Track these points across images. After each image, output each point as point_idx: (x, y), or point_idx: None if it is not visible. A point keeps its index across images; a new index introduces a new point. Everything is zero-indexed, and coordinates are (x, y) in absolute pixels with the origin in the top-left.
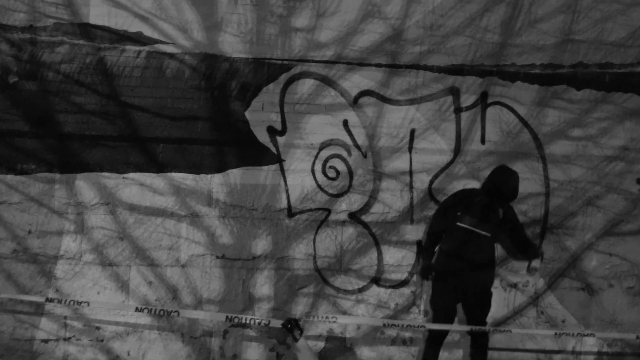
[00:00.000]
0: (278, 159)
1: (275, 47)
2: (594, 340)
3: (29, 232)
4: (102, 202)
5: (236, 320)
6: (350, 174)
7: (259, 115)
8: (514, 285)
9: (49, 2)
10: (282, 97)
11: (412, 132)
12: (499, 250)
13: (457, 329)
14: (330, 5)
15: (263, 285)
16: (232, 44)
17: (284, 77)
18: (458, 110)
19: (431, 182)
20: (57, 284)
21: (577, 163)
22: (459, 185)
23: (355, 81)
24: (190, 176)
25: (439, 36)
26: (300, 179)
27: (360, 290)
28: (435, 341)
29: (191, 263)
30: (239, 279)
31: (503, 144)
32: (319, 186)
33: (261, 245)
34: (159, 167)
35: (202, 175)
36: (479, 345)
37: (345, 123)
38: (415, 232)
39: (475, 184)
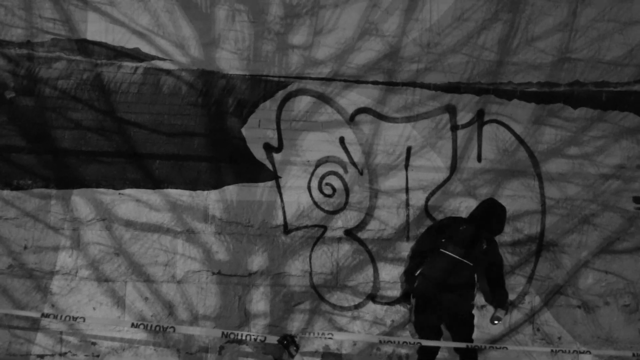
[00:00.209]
0: (274, 176)
1: (272, 64)
2: (590, 358)
3: (25, 247)
4: (98, 218)
5: (232, 336)
6: (347, 191)
7: (256, 132)
8: (511, 303)
9: (46, 18)
10: (278, 114)
11: (409, 149)
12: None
13: (452, 345)
14: (327, 22)
15: (259, 301)
16: (229, 61)
17: (280, 94)
18: (454, 128)
19: (427, 199)
20: (53, 299)
21: (573, 181)
22: (455, 203)
23: (352, 98)
24: (187, 192)
25: (436, 54)
26: (296, 195)
27: (356, 306)
28: (425, 358)
29: (187, 279)
30: (235, 295)
31: (499, 161)
32: (315, 203)
33: (257, 261)
34: (155, 183)
35: (198, 192)
36: None
37: (342, 140)
38: None
39: (471, 202)
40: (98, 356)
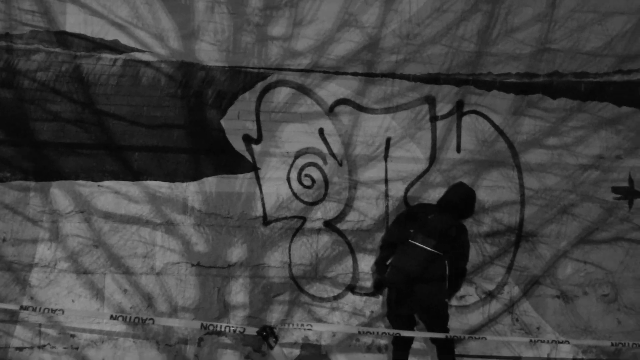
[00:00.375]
0: (253, 167)
1: (251, 55)
2: (569, 347)
3: (4, 239)
4: (77, 210)
5: (211, 327)
6: (326, 182)
7: (235, 124)
8: (489, 293)
9: (25, 10)
10: (258, 105)
11: (388, 140)
12: (473, 255)
13: (428, 335)
14: (307, 14)
15: (238, 293)
16: (209, 53)
17: (260, 86)
18: (434, 119)
19: (407, 190)
20: (32, 291)
21: (553, 172)
22: (434, 194)
23: (331, 90)
24: (166, 184)
25: (415, 45)
26: (275, 187)
27: (336, 297)
28: (400, 347)
29: (166, 271)
30: (214, 286)
31: (478, 152)
32: (294, 194)
33: (236, 253)
34: (135, 175)
35: (177, 184)
36: (445, 353)
37: (321, 131)
38: None
39: None
40: (77, 348)
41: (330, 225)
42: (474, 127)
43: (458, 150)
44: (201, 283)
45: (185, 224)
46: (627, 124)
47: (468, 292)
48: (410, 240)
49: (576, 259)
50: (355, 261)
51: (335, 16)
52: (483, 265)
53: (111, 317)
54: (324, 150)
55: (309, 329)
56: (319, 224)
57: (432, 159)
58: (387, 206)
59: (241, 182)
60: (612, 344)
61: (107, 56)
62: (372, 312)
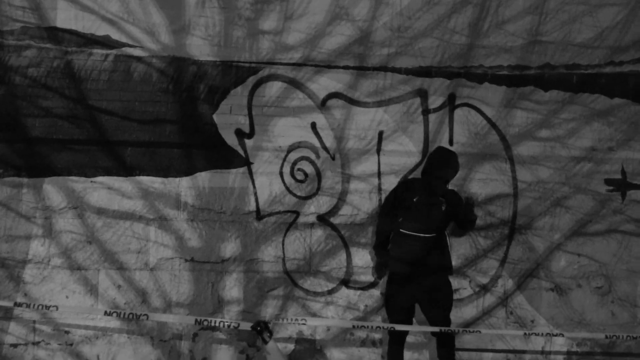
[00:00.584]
0: (246, 162)
1: (243, 49)
2: (563, 340)
3: None
4: (70, 206)
5: (205, 323)
6: (319, 176)
7: (227, 118)
8: (483, 287)
9: (15, 6)
10: (250, 99)
11: (380, 134)
12: (467, 249)
13: (424, 329)
14: (298, 7)
15: (232, 288)
16: (200, 47)
17: (251, 80)
18: (426, 112)
19: None
20: (26, 288)
21: (545, 164)
22: None
23: (323, 83)
24: (159, 179)
25: (407, 38)
26: (268, 181)
27: (330, 292)
28: (396, 341)
29: (160, 266)
30: (208, 282)
31: (471, 145)
32: (287, 189)
33: (230, 248)
34: (127, 171)
35: (170, 179)
36: (446, 345)
37: (314, 125)
38: None
39: None
40: (71, 345)
41: (323, 219)
42: (466, 120)
43: (450, 143)
44: (195, 278)
45: (179, 219)
46: (619, 115)
47: (462, 286)
48: (401, 230)
49: (570, 251)
50: (349, 255)
51: (326, 9)
52: (477, 259)
53: (105, 313)
54: (317, 144)
55: (304, 324)
56: (312, 218)
57: (425, 152)
58: (380, 200)
59: (234, 176)
60: (606, 337)
61: (99, 52)
62: (366, 306)
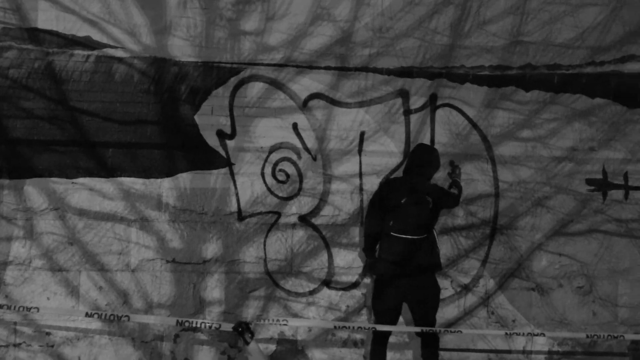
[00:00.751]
0: (228, 163)
1: (224, 50)
2: (544, 340)
3: None
4: (51, 208)
5: (187, 324)
6: (300, 177)
7: (209, 119)
8: (465, 287)
9: None
10: (231, 100)
11: (362, 134)
12: (448, 248)
13: (407, 330)
14: (279, 8)
15: (214, 289)
16: (181, 48)
17: (233, 81)
18: (407, 113)
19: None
20: (7, 289)
21: (526, 164)
22: None
23: (305, 84)
24: (140, 180)
25: (388, 38)
26: (250, 182)
27: (311, 292)
28: (379, 342)
29: (141, 267)
30: (190, 283)
31: (452, 145)
32: (268, 189)
33: (211, 249)
34: (109, 172)
35: (151, 180)
36: (429, 346)
37: (295, 126)
38: None
39: None
40: (52, 346)
41: (305, 220)
42: (447, 120)
43: (432, 143)
44: (176, 279)
45: (160, 220)
46: (600, 115)
47: (444, 286)
48: (391, 233)
49: (551, 251)
50: (330, 256)
51: (308, 10)
52: (458, 259)
53: (86, 314)
54: (298, 144)
55: (285, 324)
56: (293, 219)
57: (406, 152)
58: (361, 200)
59: (215, 177)
60: (588, 336)
61: (80, 52)
62: (348, 306)
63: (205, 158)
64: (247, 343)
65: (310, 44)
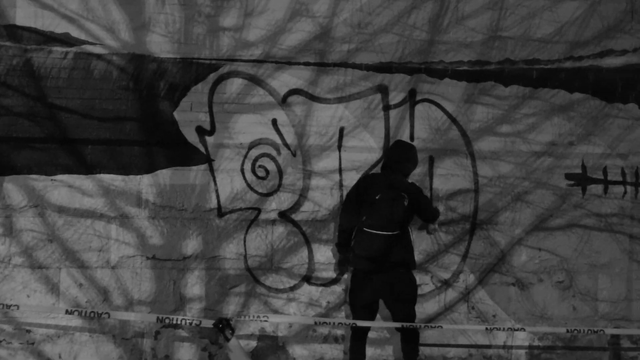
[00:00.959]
0: (207, 159)
1: (203, 46)
2: (524, 335)
3: None
4: (30, 205)
5: (167, 321)
6: (280, 173)
7: (188, 115)
8: (445, 282)
9: None
10: (210, 96)
11: (341, 130)
12: (428, 244)
13: (387, 325)
14: (258, 4)
15: (194, 285)
16: (160, 44)
17: (212, 77)
18: (387, 108)
19: None
20: None
21: (506, 159)
22: None
23: (284, 80)
24: (120, 177)
25: (367, 34)
26: (229, 178)
27: (292, 288)
28: (358, 337)
29: (121, 264)
30: (170, 279)
31: (432, 140)
32: (248, 185)
33: (191, 245)
34: (88, 169)
35: (131, 176)
36: (409, 341)
37: (275, 122)
38: None
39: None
40: (33, 344)
41: (285, 215)
42: (426, 115)
43: (411, 139)
44: (157, 276)
45: (140, 217)
46: (579, 110)
47: (424, 281)
48: (365, 229)
49: (531, 246)
50: (310, 251)
51: (287, 6)
52: (438, 254)
53: (67, 311)
54: (278, 140)
55: (265, 321)
56: (273, 215)
57: (386, 148)
58: (341, 196)
59: (195, 174)
60: (568, 331)
61: (58, 49)
62: (328, 302)
63: (185, 154)
64: (228, 339)
65: (289, 40)
